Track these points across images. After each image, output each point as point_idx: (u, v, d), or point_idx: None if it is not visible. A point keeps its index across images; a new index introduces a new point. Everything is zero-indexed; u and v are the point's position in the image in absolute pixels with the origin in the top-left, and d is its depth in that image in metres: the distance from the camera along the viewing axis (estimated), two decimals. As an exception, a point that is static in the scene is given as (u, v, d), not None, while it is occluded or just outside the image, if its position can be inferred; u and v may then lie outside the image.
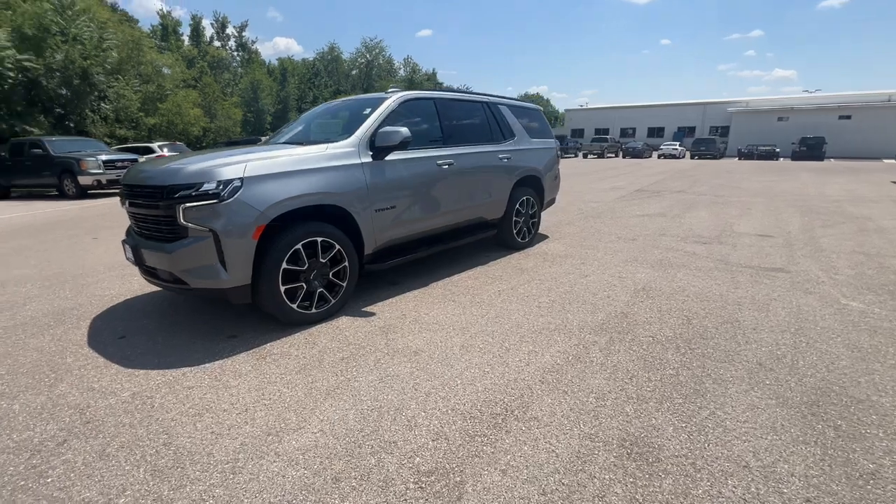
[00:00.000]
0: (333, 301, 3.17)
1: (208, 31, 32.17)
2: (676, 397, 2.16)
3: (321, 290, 3.09)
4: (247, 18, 45.70)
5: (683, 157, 33.92)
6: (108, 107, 17.15)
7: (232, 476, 1.69)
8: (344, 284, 3.22)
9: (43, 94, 14.89)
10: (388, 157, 3.41)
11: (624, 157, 34.45)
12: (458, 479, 1.66)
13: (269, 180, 2.73)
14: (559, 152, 5.68)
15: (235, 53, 35.28)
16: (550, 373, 2.40)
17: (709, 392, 2.20)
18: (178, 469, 1.73)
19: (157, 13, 28.86)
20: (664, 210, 7.87)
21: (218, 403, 2.16)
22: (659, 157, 33.41)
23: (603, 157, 33.48)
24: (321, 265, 3.06)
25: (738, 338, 2.80)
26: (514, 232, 4.95)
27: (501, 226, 4.85)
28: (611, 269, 4.30)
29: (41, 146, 11.24)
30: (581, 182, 13.46)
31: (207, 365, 2.55)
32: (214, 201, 2.54)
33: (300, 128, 4.18)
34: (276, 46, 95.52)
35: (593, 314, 3.21)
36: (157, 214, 2.69)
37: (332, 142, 3.25)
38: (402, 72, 55.44)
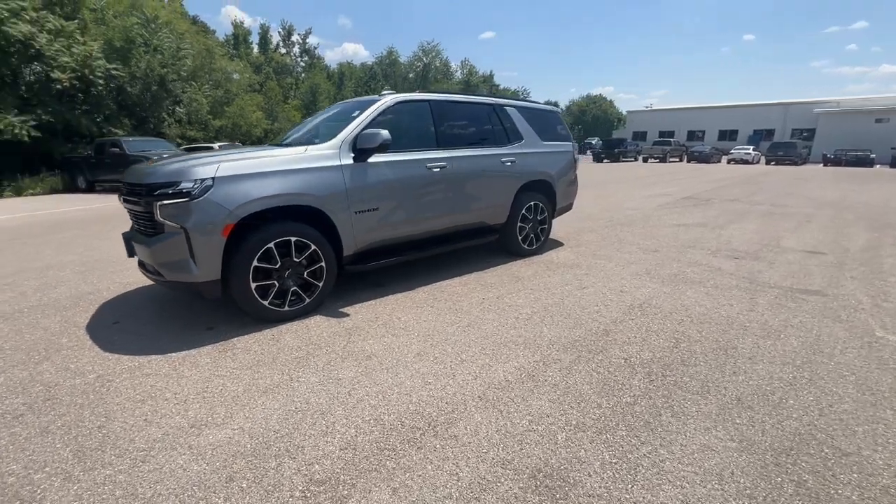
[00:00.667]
0: (308, 300, 3.23)
1: (276, 39, 34.67)
2: (621, 429, 1.95)
3: (295, 288, 3.15)
4: (311, 26, 48.33)
5: (757, 162, 31.07)
6: (181, 110, 18.87)
7: (140, 464, 1.76)
8: (320, 284, 3.27)
9: (128, 98, 16.69)
10: (371, 160, 3.41)
11: (688, 161, 32.19)
12: (346, 492, 1.61)
13: (241, 180, 2.83)
14: (577, 156, 5.39)
15: (299, 59, 37.46)
16: (495, 389, 2.27)
17: (661, 426, 1.97)
18: (99, 452, 1.83)
19: (232, 23, 31.57)
20: (707, 220, 7.23)
21: (163, 392, 2.27)
22: (729, 161, 30.83)
23: (665, 162, 31.44)
24: (295, 264, 3.13)
25: (726, 367, 2.48)
26: (520, 238, 4.77)
27: (505, 231, 4.69)
28: (614, 282, 4.01)
29: (119, 146, 12.56)
30: (628, 188, 12.75)
31: (173, 354, 2.69)
32: (186, 199, 2.68)
33: (305, 129, 4.30)
34: (345, 52, 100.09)
35: (572, 329, 3.00)
36: (141, 211, 2.88)
37: (316, 143, 3.31)
38: (458, 74, 55.87)
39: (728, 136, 45.81)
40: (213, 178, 2.75)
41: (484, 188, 4.28)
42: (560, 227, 6.67)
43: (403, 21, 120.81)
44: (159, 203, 2.70)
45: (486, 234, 4.54)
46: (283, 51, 35.74)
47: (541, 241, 5.04)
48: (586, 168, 22.80)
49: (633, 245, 5.48)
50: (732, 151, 31.54)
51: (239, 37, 31.76)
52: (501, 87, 65.07)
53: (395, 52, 45.24)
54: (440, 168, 3.85)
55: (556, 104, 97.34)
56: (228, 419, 2.04)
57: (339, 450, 1.83)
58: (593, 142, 43.13)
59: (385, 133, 3.27)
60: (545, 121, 5.10)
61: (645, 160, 33.24)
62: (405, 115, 3.80)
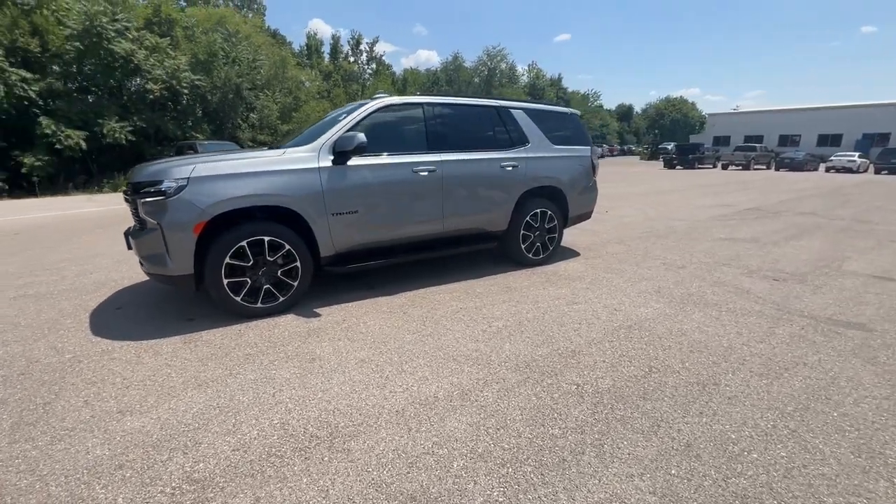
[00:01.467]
0: (282, 298, 3.31)
1: (346, 48, 36.69)
2: (528, 464, 1.75)
3: (268, 286, 3.25)
4: (377, 35, 50.53)
5: (864, 170, 26.99)
6: (254, 116, 20.55)
7: (56, 443, 1.89)
8: (295, 284, 3.34)
9: (208, 106, 18.50)
10: (352, 162, 3.43)
11: (777, 169, 28.79)
12: (211, 495, 1.60)
13: (214, 181, 2.97)
14: (596, 161, 5.02)
15: (365, 66, 39.20)
16: (417, 405, 2.16)
17: (577, 467, 1.74)
18: (31, 427, 2.00)
19: (306, 35, 34.02)
20: (761, 235, 6.40)
21: (114, 377, 2.44)
22: (827, 170, 27.13)
23: (748, 169, 28.42)
24: (269, 263, 3.22)
25: (694, 406, 2.15)
26: (523, 247, 4.54)
27: (506, 239, 4.49)
28: (613, 299, 3.66)
29: (194, 148, 13.94)
30: (689, 197, 11.71)
31: (145, 342, 2.88)
32: (161, 198, 2.87)
33: (307, 132, 4.43)
34: (418, 58, 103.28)
35: (537, 348, 2.78)
36: (132, 208, 3.14)
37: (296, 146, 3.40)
38: (524, 78, 55.07)
39: (830, 140, 40.42)
40: (187, 179, 2.91)
41: (480, 193, 4.13)
42: (586, 235, 6.27)
43: (478, 26, 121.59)
44: (141, 200, 2.92)
45: (484, 240, 4.38)
46: (352, 59, 37.63)
47: (549, 251, 4.75)
48: (652, 175, 21.36)
49: (658, 259, 4.99)
50: (832, 158, 27.71)
51: (311, 47, 34.07)
52: (570, 90, 63.10)
53: (460, 58, 45.75)
54: (429, 172, 3.77)
55: (629, 108, 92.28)
56: (153, 408, 2.13)
57: (231, 450, 1.84)
58: (669, 146, 39.89)
59: (361, 136, 3.28)
60: (559, 124, 4.82)
61: (725, 167, 30.27)
62: (394, 119, 3.78)
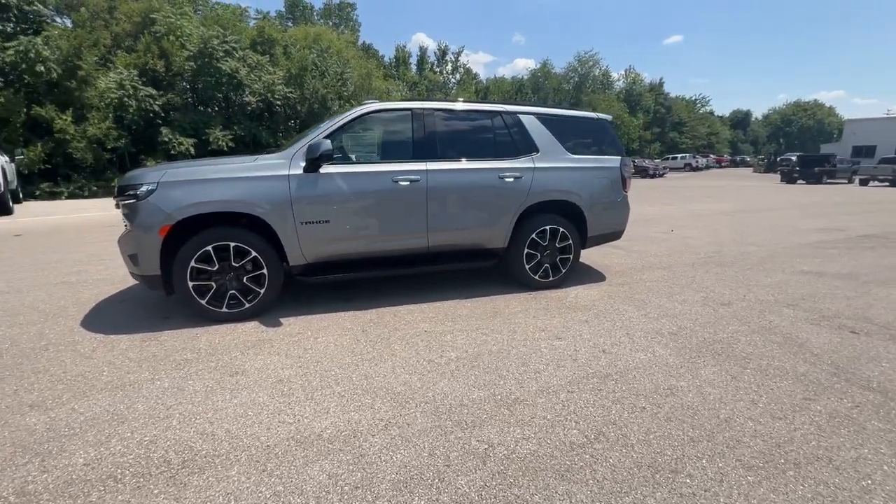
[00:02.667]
0: (248, 305, 3.30)
1: (432, 58, 37.97)
2: (356, 543, 1.43)
3: (233, 291, 3.26)
4: (475, 46, 51.04)
5: None
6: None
7: (-43, 429, 2.00)
8: (261, 291, 3.31)
9: (298, 116, 20.20)
10: (325, 170, 3.33)
11: (940, 186, 23.20)
12: (22, 514, 1.53)
13: (181, 186, 3.06)
14: (625, 173, 4.34)
15: (450, 76, 39.97)
16: (293, 442, 1.93)
17: (410, 560, 1.37)
18: (-45, 410, 2.15)
19: (395, 47, 35.86)
20: (864, 271, 5.05)
21: (57, 369, 2.57)
22: None
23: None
24: (235, 269, 3.24)
25: (621, 501, 1.62)
26: (527, 267, 4.06)
27: (507, 258, 4.06)
28: (610, 338, 3.07)
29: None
30: (786, 217, 9.88)
31: (112, 336, 3.04)
32: (134, 200, 3.02)
33: (297, 137, 4.46)
34: (515, 67, 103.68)
35: (473, 390, 2.38)
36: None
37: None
38: (619, 84, 51.82)
39: None
40: (157, 183, 3.03)
41: (471, 206, 3.77)
42: (626, 256, 5.51)
43: (578, 32, 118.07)
44: (121, 203, 3.10)
45: (481, 258, 4.00)
46: (437, 69, 38.68)
47: (560, 274, 4.20)
48: (757, 190, 18.61)
49: (701, 292, 4.15)
50: None
51: (399, 59, 35.73)
52: (672, 95, 57.94)
53: (549, 64, 44.49)
54: (411, 182, 3.53)
55: (746, 114, 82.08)
56: (58, 406, 2.19)
57: (82, 464, 1.78)
58: (794, 157, 33.41)
59: (326, 143, 3.16)
60: (582, 131, 4.26)
61: (864, 182, 25.15)
62: (379, 125, 3.62)
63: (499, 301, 3.84)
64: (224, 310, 3.26)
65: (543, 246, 4.08)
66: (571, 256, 4.21)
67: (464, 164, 3.74)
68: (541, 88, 43.13)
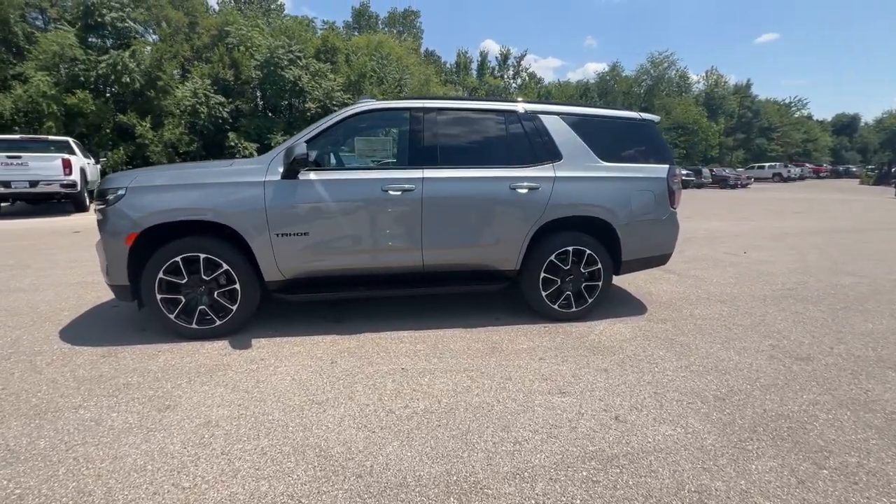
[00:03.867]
0: (220, 322, 3.02)
1: (493, 63, 37.43)
2: None
3: (203, 307, 3.00)
4: (526, 48, 49.85)
5: None
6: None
7: None
8: (234, 308, 3.02)
9: (356, 122, 20.67)
10: (305, 177, 2.98)
11: None
12: None
13: (149, 192, 2.84)
14: (673, 185, 3.54)
15: (511, 81, 39.15)
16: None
17: None
18: None
19: (457, 52, 35.80)
20: None
21: (16, 381, 2.43)
22: None
23: None
24: (206, 282, 2.97)
25: None
26: (544, 294, 3.42)
27: (520, 282, 3.45)
28: (630, 399, 2.38)
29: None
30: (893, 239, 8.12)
31: (77, 347, 2.90)
32: (104, 206, 2.85)
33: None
34: (586, 71, 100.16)
35: (426, 463, 1.85)
36: (99, 213, 3.24)
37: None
38: (699, 86, 47.70)
39: None
40: (126, 188, 2.84)
41: (475, 220, 3.24)
42: (679, 284, 4.63)
43: (657, 33, 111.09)
44: (95, 208, 2.96)
45: (490, 279, 3.45)
46: (498, 74, 38.08)
47: (586, 304, 3.50)
48: (863, 206, 15.96)
49: (769, 339, 3.25)
50: None
51: (460, 64, 35.61)
52: (760, 97, 52.39)
53: (618, 66, 42.06)
54: (403, 191, 3.07)
55: (853, 118, 72.55)
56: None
57: (-70, 521, 1.51)
58: None
59: (300, 147, 2.80)
60: (619, 135, 3.56)
61: None
62: (371, 127, 3.22)
63: (502, 334, 3.25)
64: (194, 326, 3.00)
65: (565, 270, 3.43)
66: (600, 284, 3.50)
67: (467, 172, 3.21)
68: (609, 92, 40.89)
